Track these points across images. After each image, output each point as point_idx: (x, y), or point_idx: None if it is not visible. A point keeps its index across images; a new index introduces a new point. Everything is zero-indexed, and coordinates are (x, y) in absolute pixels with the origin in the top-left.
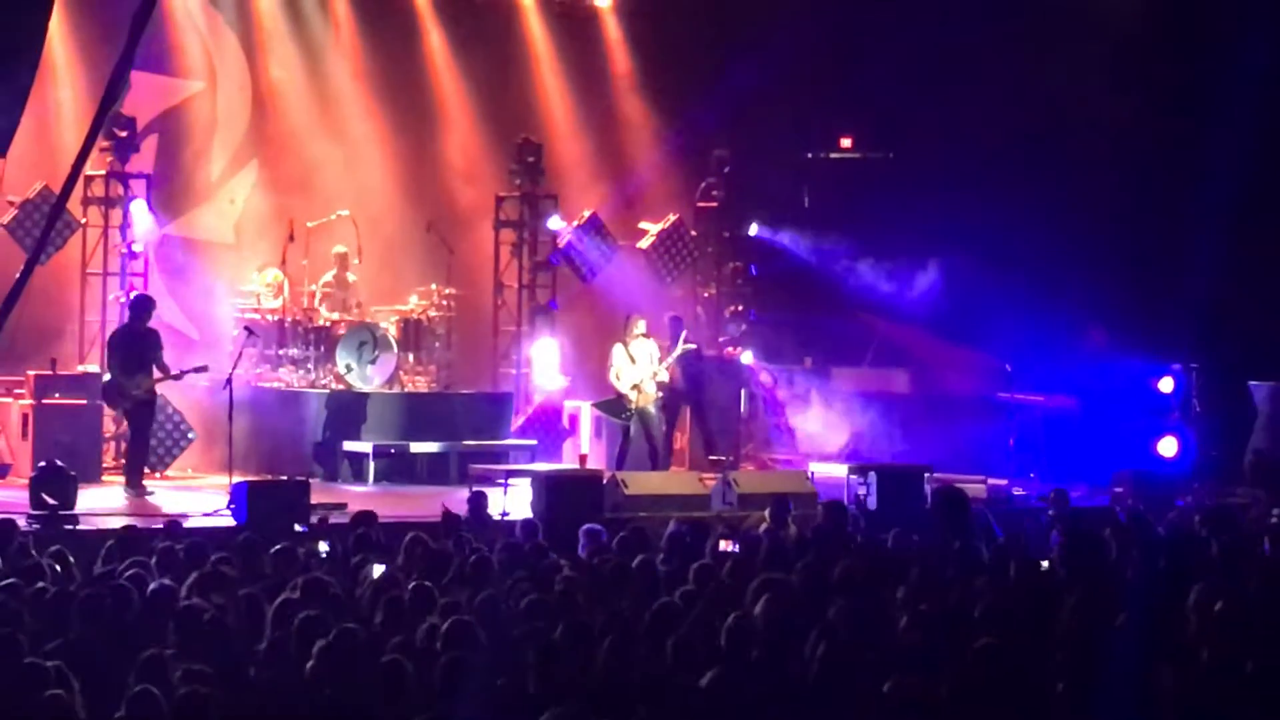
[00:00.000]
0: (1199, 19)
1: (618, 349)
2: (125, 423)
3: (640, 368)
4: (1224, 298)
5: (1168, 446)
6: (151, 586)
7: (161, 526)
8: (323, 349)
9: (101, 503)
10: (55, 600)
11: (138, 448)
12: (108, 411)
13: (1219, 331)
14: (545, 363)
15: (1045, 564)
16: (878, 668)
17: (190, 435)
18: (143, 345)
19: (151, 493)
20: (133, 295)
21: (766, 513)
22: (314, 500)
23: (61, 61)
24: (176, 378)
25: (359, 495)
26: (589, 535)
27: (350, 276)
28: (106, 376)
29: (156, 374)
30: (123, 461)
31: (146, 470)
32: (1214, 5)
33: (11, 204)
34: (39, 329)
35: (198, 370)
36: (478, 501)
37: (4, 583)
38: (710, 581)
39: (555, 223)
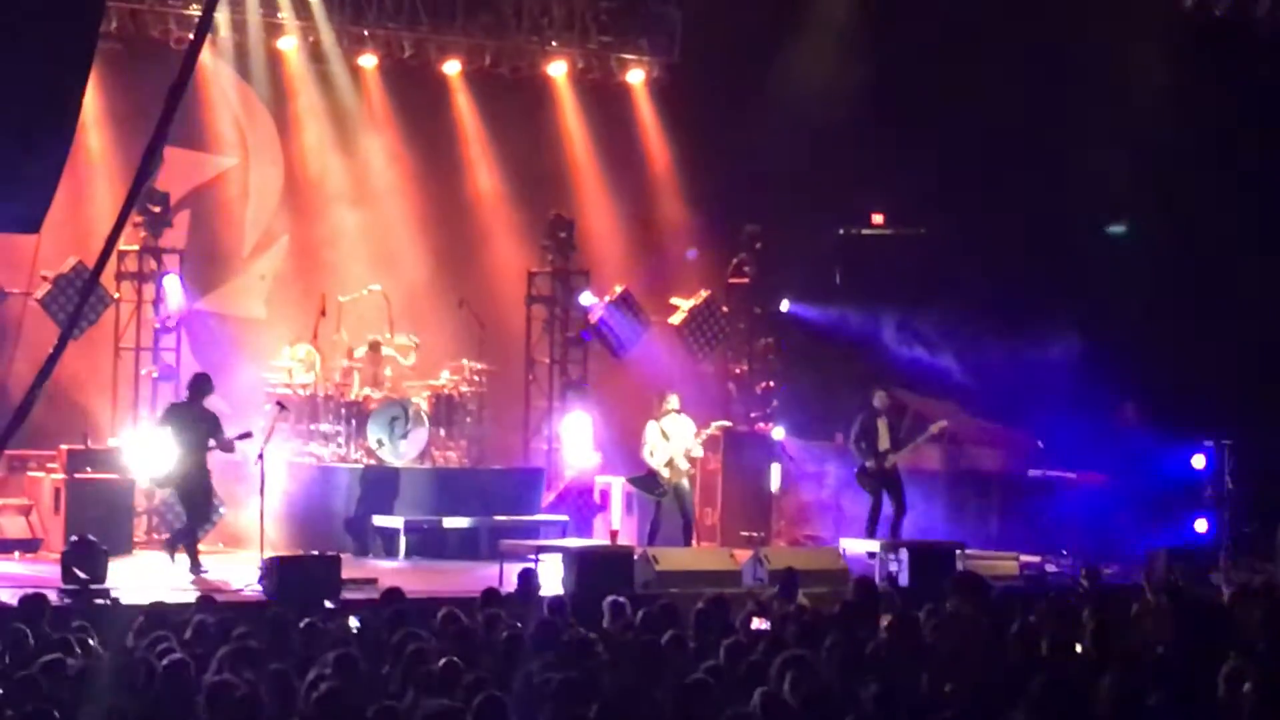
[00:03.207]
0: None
1: (651, 425)
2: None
3: (674, 444)
4: (1256, 375)
5: (1200, 524)
6: (182, 661)
7: (192, 601)
8: (354, 424)
9: (133, 577)
10: (85, 675)
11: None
12: (139, 486)
13: (1251, 409)
14: (576, 438)
15: (1078, 644)
16: None
17: (221, 509)
18: (199, 425)
19: (206, 570)
20: (193, 374)
21: (776, 588)
22: (345, 575)
23: (95, 137)
24: (227, 448)
25: (390, 570)
26: (613, 607)
27: (385, 351)
28: (163, 458)
29: (211, 444)
30: (155, 536)
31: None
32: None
33: (45, 279)
34: (71, 403)
35: (242, 438)
36: (528, 578)
37: (35, 658)
38: (741, 659)
39: (587, 298)
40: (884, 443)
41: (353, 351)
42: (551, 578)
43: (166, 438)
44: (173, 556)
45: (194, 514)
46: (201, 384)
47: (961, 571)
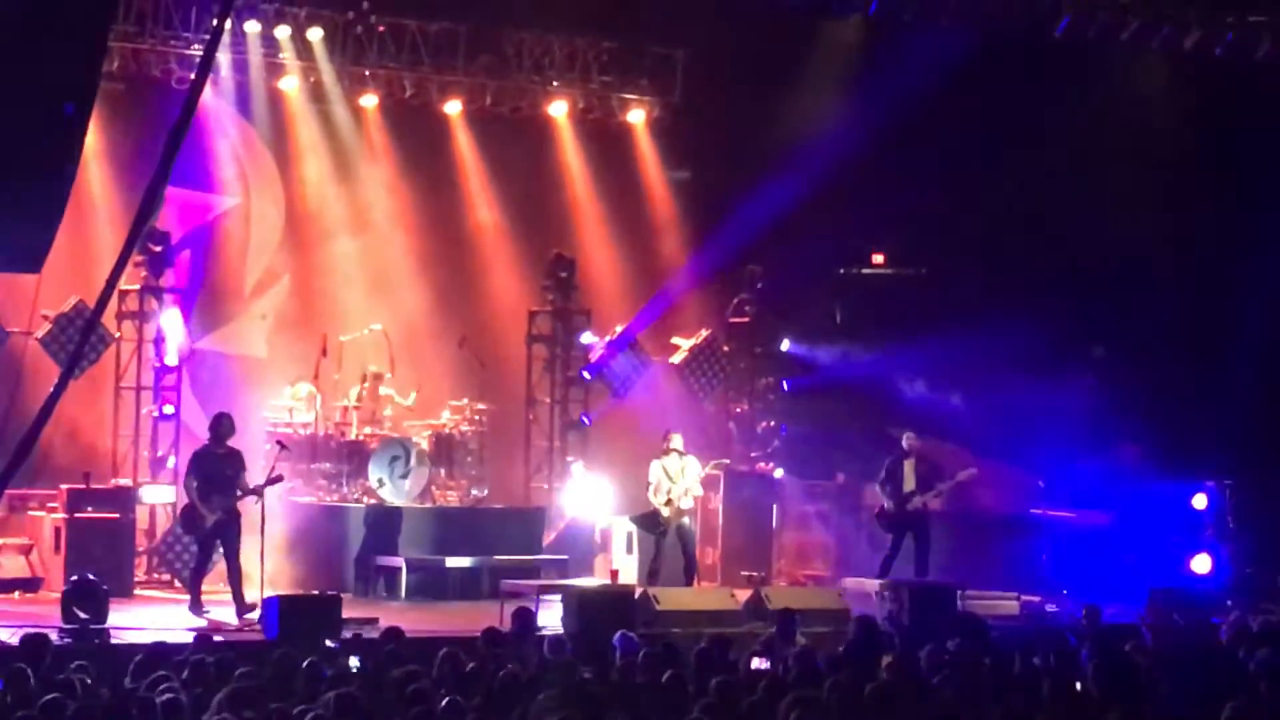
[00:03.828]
0: (1239, 154)
1: (655, 464)
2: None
3: (677, 483)
4: (1257, 415)
5: (1202, 563)
6: (182, 701)
7: (191, 641)
8: (355, 463)
9: (133, 617)
10: (84, 715)
11: (201, 564)
12: (140, 526)
13: (1252, 449)
14: (577, 477)
15: (1079, 684)
16: None
17: (222, 549)
18: (225, 466)
19: (207, 610)
20: (215, 415)
21: (774, 629)
22: (346, 615)
23: (96, 176)
24: (257, 493)
25: (391, 610)
26: (623, 641)
27: (383, 390)
28: (183, 500)
29: (238, 493)
30: (155, 576)
31: (172, 583)
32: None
33: (46, 318)
34: (72, 443)
35: (274, 481)
36: (524, 618)
37: (36, 698)
38: (741, 699)
39: (588, 338)
40: (909, 484)
41: (354, 390)
42: (552, 618)
43: (193, 487)
44: (241, 603)
45: (205, 554)
46: (223, 425)
47: (962, 611)
